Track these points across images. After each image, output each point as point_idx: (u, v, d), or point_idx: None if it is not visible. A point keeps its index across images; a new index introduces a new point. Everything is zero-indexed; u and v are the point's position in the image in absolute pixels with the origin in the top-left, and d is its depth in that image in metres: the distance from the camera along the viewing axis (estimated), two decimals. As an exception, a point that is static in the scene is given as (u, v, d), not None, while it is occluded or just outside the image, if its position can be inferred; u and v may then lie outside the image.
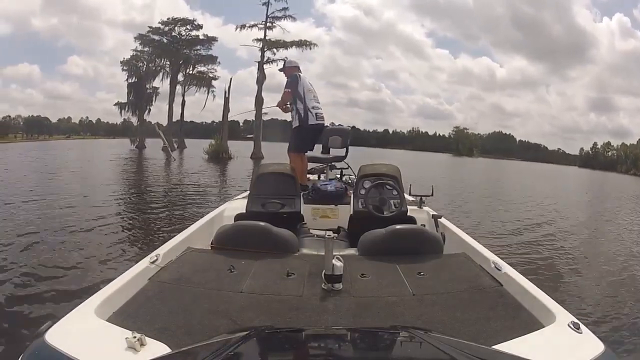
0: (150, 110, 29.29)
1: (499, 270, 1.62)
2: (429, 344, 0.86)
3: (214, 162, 19.59)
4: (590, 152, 55.67)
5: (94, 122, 53.60)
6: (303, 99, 3.44)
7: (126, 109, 29.03)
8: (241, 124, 38.94)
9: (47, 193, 7.99)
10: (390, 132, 66.70)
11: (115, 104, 29.61)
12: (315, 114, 3.50)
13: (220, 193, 9.36)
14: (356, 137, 55.88)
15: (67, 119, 53.30)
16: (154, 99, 29.40)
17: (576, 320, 1.18)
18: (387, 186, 2.50)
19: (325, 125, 3.63)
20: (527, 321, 1.26)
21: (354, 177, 3.42)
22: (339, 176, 3.82)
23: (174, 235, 2.08)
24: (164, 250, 1.75)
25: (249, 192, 2.69)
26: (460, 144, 54.98)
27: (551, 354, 1.08)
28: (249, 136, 24.86)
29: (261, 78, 24.12)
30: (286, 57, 24.80)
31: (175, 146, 27.33)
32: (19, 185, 8.83)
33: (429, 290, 1.51)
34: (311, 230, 2.58)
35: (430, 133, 66.41)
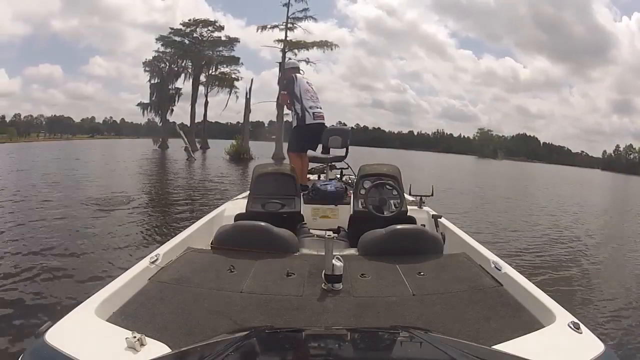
0: (173, 110, 29.46)
1: (499, 270, 1.63)
2: (429, 344, 0.86)
3: (234, 163, 19.49)
4: (612, 154, 55.00)
5: (118, 122, 53.46)
6: (300, 99, 3.47)
7: (149, 110, 29.18)
8: (266, 125, 38.81)
9: (74, 198, 7.88)
10: (415, 133, 66.29)
11: (138, 104, 29.78)
12: (313, 113, 3.52)
13: (231, 191, 9.27)
14: (381, 138, 55.98)
15: (91, 119, 53.47)
16: (176, 99, 29.58)
17: (576, 320, 1.19)
18: (387, 186, 2.50)
19: (325, 124, 3.64)
20: (527, 321, 1.26)
21: (354, 177, 3.42)
22: (339, 176, 3.82)
23: (174, 235, 2.08)
24: (164, 250, 1.75)
25: (249, 192, 2.69)
26: (484, 146, 54.42)
27: (551, 354, 1.08)
28: (273, 137, 24.80)
29: (282, 79, 24.17)
30: (307, 58, 24.13)
31: (198, 146, 27.29)
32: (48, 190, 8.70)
33: (429, 290, 1.51)
34: (311, 230, 2.58)
35: (455, 135, 65.84)
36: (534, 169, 38.65)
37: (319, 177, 3.84)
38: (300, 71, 3.70)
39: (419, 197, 2.96)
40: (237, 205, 2.81)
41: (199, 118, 29.74)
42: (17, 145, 30.03)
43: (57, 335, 1.02)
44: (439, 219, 2.60)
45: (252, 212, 2.46)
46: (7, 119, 43.85)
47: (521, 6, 72.48)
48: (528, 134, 63.64)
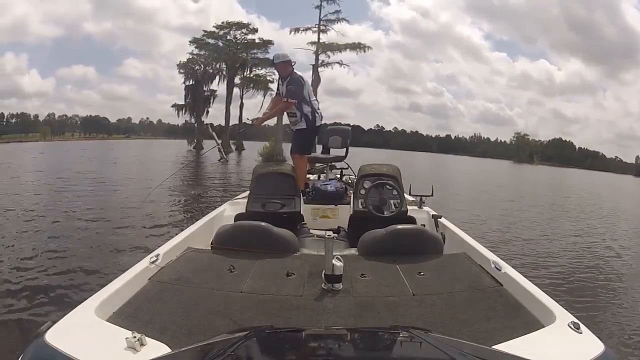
0: (208, 112, 29.57)
1: (499, 270, 1.62)
2: (429, 344, 0.86)
3: (267, 164, 19.50)
4: (645, 160, 54.11)
5: (155, 122, 52.87)
6: (309, 101, 3.43)
7: (183, 111, 29.27)
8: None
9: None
10: (453, 137, 64.29)
11: (172, 106, 29.85)
12: (321, 114, 3.52)
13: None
14: (418, 142, 56.21)
15: (127, 119, 53.03)
16: (211, 101, 29.59)
17: (576, 320, 1.18)
18: (387, 186, 2.50)
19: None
20: (527, 321, 1.26)
21: (354, 177, 3.42)
22: (339, 176, 3.82)
23: (174, 235, 2.08)
24: (164, 250, 1.75)
25: (249, 192, 2.69)
26: (521, 150, 53.67)
27: (551, 354, 1.08)
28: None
29: (316, 81, 24.09)
30: (340, 60, 24.19)
31: (233, 148, 27.19)
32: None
33: (429, 290, 1.51)
34: (311, 230, 2.58)
35: (492, 139, 63.41)
36: (572, 174, 36.72)
37: (319, 177, 3.84)
38: (292, 63, 3.49)
39: (419, 197, 2.96)
40: (237, 205, 2.81)
41: (234, 120, 29.75)
42: (50, 144, 30.58)
43: (57, 335, 1.02)
44: (439, 219, 2.60)
45: (252, 212, 2.46)
46: (41, 118, 44.10)
47: (553, 7, 71.08)
48: (564, 139, 61.42)
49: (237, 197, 3.27)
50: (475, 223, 7.12)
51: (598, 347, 1.05)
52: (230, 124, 28.90)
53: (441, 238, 2.06)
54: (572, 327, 1.15)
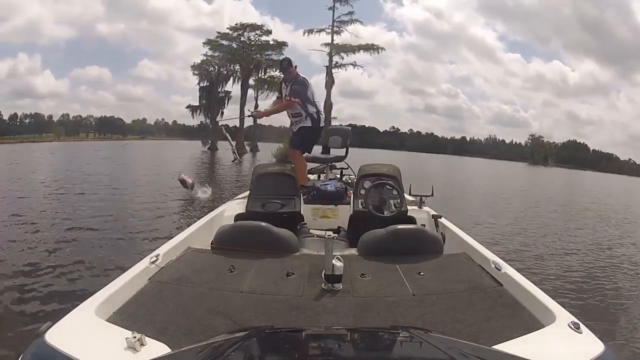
0: (223, 113, 29.49)
1: (499, 270, 1.62)
2: (429, 344, 0.86)
3: (279, 166, 19.45)
4: (657, 162, 53.26)
5: (170, 123, 52.57)
6: (313, 102, 3.50)
7: (198, 112, 29.39)
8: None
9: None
10: (468, 139, 63.01)
11: (187, 107, 29.97)
12: (322, 116, 3.57)
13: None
14: (434, 144, 55.62)
15: (142, 120, 52.85)
16: (226, 102, 29.66)
17: (576, 320, 1.19)
18: (387, 186, 2.50)
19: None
20: (527, 321, 1.26)
21: (354, 177, 3.42)
22: (339, 176, 3.82)
23: (174, 235, 2.08)
24: (164, 250, 1.75)
25: (249, 192, 2.69)
26: (536, 153, 53.24)
27: (551, 354, 1.08)
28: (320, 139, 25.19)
29: (330, 82, 24.36)
30: (354, 62, 24.49)
31: (248, 149, 27.45)
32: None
33: (429, 290, 1.51)
34: (311, 230, 2.58)
35: (507, 141, 62.41)
36: (590, 178, 35.60)
37: (319, 177, 3.84)
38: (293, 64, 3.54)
39: (419, 197, 2.96)
40: (237, 205, 2.81)
41: (249, 121, 29.61)
42: (64, 144, 30.88)
43: (57, 335, 1.02)
44: (439, 219, 2.59)
45: (252, 212, 2.46)
46: (55, 119, 44.05)
47: (565, 7, 70.09)
48: (578, 141, 60.09)
49: (237, 197, 3.27)
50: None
51: (598, 347, 1.06)
52: (245, 126, 28.77)
53: (441, 238, 2.06)
54: (572, 327, 1.15)
